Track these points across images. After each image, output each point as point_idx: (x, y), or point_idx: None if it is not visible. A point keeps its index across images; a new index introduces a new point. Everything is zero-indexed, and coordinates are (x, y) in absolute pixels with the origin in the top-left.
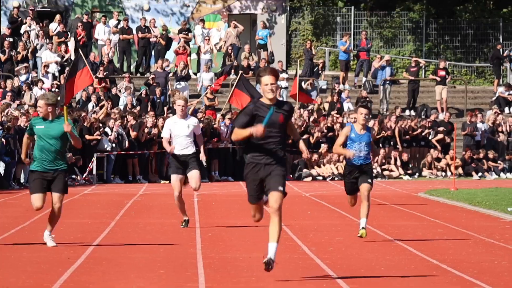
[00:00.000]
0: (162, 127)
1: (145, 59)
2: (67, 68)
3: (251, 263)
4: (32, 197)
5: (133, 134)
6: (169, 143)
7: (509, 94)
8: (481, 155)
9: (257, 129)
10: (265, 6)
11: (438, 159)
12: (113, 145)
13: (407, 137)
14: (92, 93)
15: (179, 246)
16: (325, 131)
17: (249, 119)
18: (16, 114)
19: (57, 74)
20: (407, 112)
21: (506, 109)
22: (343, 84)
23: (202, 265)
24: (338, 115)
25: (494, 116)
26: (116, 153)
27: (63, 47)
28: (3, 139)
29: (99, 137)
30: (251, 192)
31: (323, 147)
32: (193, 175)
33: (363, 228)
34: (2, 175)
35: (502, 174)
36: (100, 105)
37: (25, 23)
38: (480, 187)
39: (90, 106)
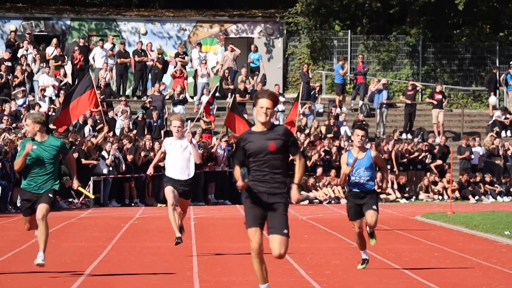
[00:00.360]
0: (159, 150)
1: (142, 83)
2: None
3: (248, 286)
4: (23, 219)
5: (129, 157)
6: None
7: (505, 118)
8: (478, 179)
9: (238, 185)
10: (262, 30)
11: (435, 183)
12: (110, 168)
13: (404, 160)
14: (89, 116)
15: (176, 270)
16: (322, 154)
17: (243, 153)
18: (12, 137)
19: (54, 98)
20: (404, 136)
21: (503, 133)
22: (340, 107)
23: None
24: (335, 138)
25: (491, 140)
26: (113, 176)
27: (61, 71)
28: None
29: (95, 162)
30: (249, 217)
31: (319, 170)
32: (183, 203)
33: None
34: None
35: (499, 197)
36: (97, 128)
37: (22, 47)
38: (477, 210)
39: (86, 129)
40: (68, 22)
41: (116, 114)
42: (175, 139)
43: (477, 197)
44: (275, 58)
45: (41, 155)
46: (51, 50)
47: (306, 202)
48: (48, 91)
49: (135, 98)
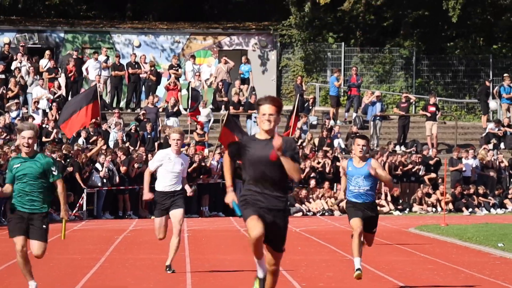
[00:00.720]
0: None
1: (136, 95)
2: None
3: None
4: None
5: (122, 169)
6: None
7: (498, 130)
8: (472, 191)
9: (227, 198)
10: (256, 42)
11: (429, 195)
12: (104, 180)
13: (398, 172)
14: (82, 128)
15: (169, 283)
16: (317, 166)
17: (237, 148)
18: (5, 150)
19: (47, 110)
20: (397, 148)
21: (492, 146)
22: (334, 119)
23: None
24: (328, 150)
25: (485, 152)
26: (106, 188)
27: (55, 83)
28: None
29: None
30: (248, 214)
31: (313, 182)
32: (176, 214)
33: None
34: None
35: (492, 209)
36: (91, 140)
37: (16, 59)
38: (470, 222)
39: (80, 141)
40: (62, 35)
41: (110, 127)
42: (175, 154)
43: (470, 209)
44: (269, 71)
45: (29, 172)
46: (44, 63)
47: (300, 214)
48: (42, 104)
49: (128, 110)
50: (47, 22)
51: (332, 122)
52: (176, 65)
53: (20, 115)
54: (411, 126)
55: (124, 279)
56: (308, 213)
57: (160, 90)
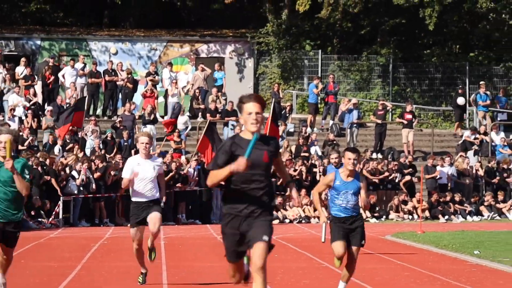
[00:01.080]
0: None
1: (112, 102)
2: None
3: None
4: None
5: (96, 174)
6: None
7: (475, 138)
8: (448, 198)
9: (239, 163)
10: (233, 50)
11: (405, 202)
12: (80, 188)
13: (374, 180)
14: (58, 136)
15: None
16: (294, 174)
17: (228, 159)
18: None
19: (23, 117)
20: (374, 155)
21: (472, 153)
22: (311, 127)
23: None
24: (306, 156)
25: (462, 159)
26: (83, 196)
27: (31, 90)
28: None
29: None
30: (230, 248)
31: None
32: (153, 216)
33: None
34: None
35: (468, 217)
36: (67, 148)
37: None
38: (446, 230)
39: (56, 149)
40: (39, 42)
41: (86, 134)
42: (143, 157)
43: (447, 217)
44: (246, 78)
45: (4, 178)
46: (20, 70)
47: (277, 221)
48: (18, 111)
49: (105, 118)
50: (23, 29)
51: (309, 130)
52: (153, 72)
53: None
54: (387, 134)
55: (100, 287)
56: (284, 220)
57: (137, 98)
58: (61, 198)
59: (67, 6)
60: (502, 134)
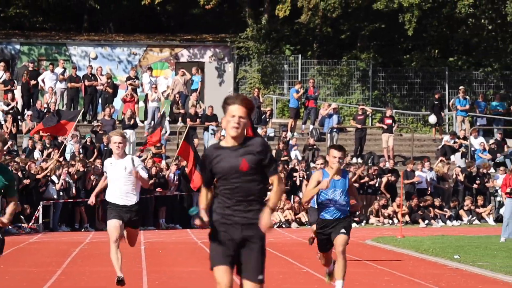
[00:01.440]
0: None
1: (92, 107)
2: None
3: None
4: None
5: (74, 177)
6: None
7: (454, 143)
8: (428, 203)
9: (196, 223)
10: (213, 54)
11: (385, 206)
12: (60, 193)
13: (355, 184)
14: (38, 140)
15: None
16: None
17: (210, 175)
18: None
19: (2, 122)
20: (354, 160)
21: (452, 157)
22: (292, 131)
23: None
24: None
25: (442, 164)
26: (63, 201)
27: (9, 95)
28: None
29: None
30: (218, 252)
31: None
32: (131, 233)
33: None
34: None
35: (448, 221)
36: (47, 153)
37: None
38: (426, 234)
39: (36, 154)
40: (18, 47)
41: (66, 139)
42: (116, 158)
43: (427, 221)
44: (226, 83)
45: None
46: None
47: None
48: None
49: (85, 123)
50: (2, 34)
51: (289, 134)
52: (133, 77)
53: None
54: (367, 138)
55: None
56: None
57: (117, 102)
58: (41, 203)
59: (46, 10)
60: (481, 139)
